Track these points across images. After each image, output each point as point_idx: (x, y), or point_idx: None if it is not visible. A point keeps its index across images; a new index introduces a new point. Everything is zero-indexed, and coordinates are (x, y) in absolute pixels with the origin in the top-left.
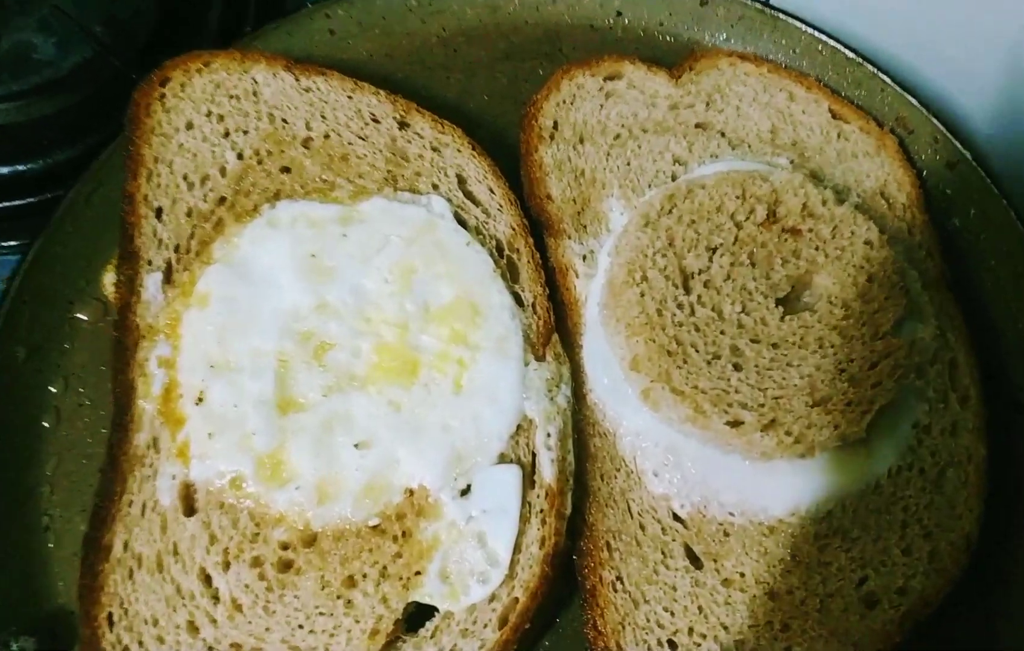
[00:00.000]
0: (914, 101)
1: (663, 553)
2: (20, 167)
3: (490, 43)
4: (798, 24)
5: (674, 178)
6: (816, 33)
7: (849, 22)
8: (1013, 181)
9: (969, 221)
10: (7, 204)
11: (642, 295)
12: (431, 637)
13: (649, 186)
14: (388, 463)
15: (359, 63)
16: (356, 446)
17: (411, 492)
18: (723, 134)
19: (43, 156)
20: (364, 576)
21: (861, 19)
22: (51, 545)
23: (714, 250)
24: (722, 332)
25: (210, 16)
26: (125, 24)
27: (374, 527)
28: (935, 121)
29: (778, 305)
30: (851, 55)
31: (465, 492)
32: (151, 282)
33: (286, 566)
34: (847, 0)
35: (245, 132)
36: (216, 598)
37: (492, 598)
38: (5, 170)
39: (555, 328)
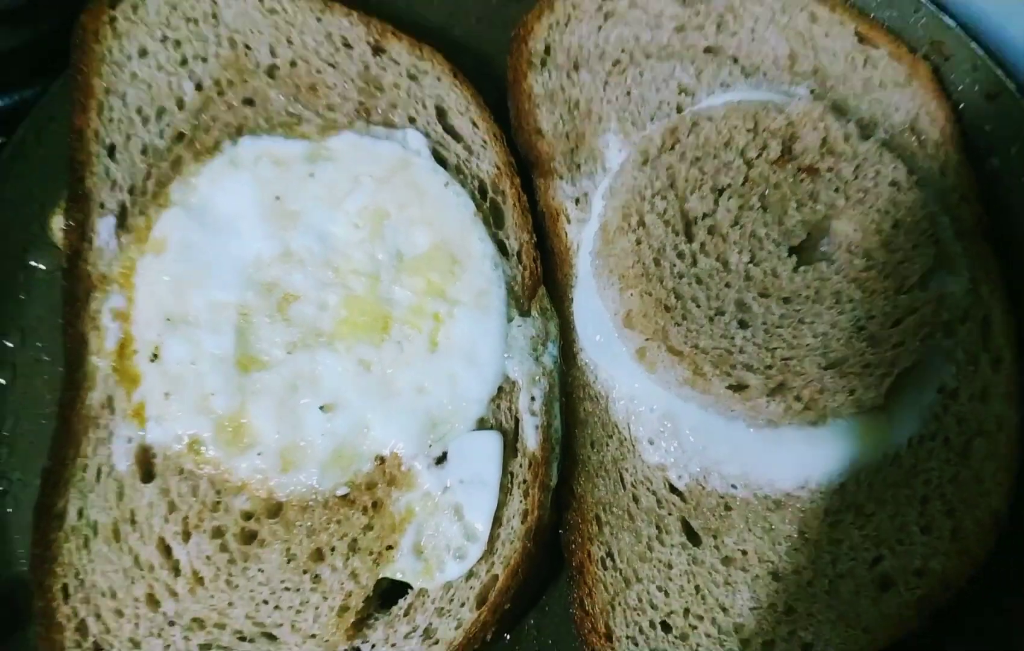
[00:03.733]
0: (951, 22)
1: (658, 528)
2: None
3: None
4: None
5: (680, 110)
6: None
7: None
8: None
9: (1010, 161)
10: None
11: (638, 243)
12: (404, 615)
13: (651, 119)
14: (357, 428)
15: None
16: (322, 409)
17: (382, 460)
18: (735, 60)
19: None
20: (332, 550)
21: None
22: (9, 509)
23: (721, 191)
24: (727, 285)
25: None
26: None
27: (342, 497)
28: (974, 45)
29: (791, 254)
30: None
31: (441, 460)
32: (104, 227)
33: (249, 537)
34: None
35: (204, 60)
36: (176, 570)
37: (470, 575)
38: None
39: (542, 280)
